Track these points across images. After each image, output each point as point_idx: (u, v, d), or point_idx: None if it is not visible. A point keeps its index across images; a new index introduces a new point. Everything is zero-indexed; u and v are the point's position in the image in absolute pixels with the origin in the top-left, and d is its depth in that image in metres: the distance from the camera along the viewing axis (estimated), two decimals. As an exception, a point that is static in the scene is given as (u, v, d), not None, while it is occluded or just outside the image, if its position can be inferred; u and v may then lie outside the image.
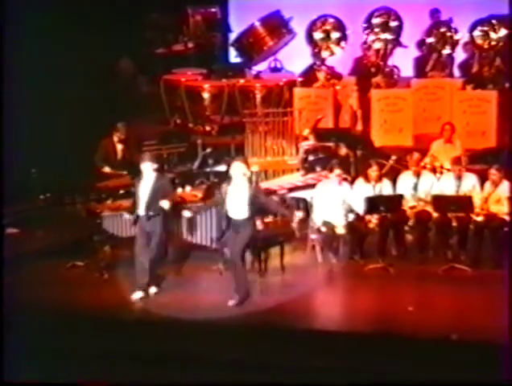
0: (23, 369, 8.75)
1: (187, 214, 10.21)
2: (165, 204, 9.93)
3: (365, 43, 16.26)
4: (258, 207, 9.87)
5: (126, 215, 10.47)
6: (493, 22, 15.80)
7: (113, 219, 10.87)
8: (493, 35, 15.85)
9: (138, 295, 10.06)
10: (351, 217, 10.99)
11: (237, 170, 9.76)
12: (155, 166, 10.12)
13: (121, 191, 11.53)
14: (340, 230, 10.94)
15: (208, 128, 15.26)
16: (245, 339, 9.19)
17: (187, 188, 11.59)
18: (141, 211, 10.02)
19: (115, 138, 12.58)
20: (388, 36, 16.15)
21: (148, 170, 10.06)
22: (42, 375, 8.70)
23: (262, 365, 8.78)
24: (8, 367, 8.75)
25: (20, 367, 8.76)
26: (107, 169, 12.45)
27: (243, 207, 9.69)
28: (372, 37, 16.18)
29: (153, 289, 10.18)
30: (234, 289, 9.81)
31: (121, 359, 9.00)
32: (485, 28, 15.89)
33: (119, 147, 12.61)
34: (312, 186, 11.66)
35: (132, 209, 10.24)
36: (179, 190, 11.37)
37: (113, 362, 8.98)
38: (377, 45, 16.09)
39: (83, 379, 8.76)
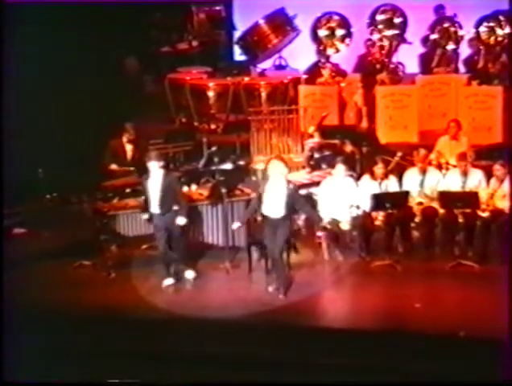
0: (24, 369, 8.76)
1: (235, 225, 10.23)
2: (181, 221, 10.15)
3: (369, 39, 16.27)
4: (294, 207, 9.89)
5: (144, 215, 10.49)
6: (500, 18, 15.80)
7: (120, 217, 10.92)
8: (499, 31, 15.85)
9: (168, 281, 10.28)
10: (355, 213, 10.96)
11: (275, 168, 9.74)
12: (162, 163, 10.33)
13: (128, 190, 11.53)
14: (345, 225, 10.93)
15: (213, 126, 15.25)
16: (252, 337, 9.20)
17: (193, 187, 11.59)
18: (154, 208, 10.23)
19: (124, 139, 12.52)
20: (392, 33, 16.14)
21: (155, 169, 10.23)
22: (42, 375, 8.71)
23: (269, 363, 8.79)
24: (8, 367, 8.77)
25: (20, 367, 8.77)
26: (114, 166, 12.39)
27: (280, 205, 9.66)
28: (376, 34, 16.19)
29: (190, 274, 10.40)
30: (276, 282, 9.91)
31: (125, 359, 9.02)
32: (492, 24, 15.89)
33: (128, 147, 12.54)
34: (318, 183, 11.66)
35: (143, 208, 10.42)
36: (185, 188, 11.37)
37: (118, 361, 8.99)
38: (382, 41, 16.08)
39: (84, 379, 8.77)
